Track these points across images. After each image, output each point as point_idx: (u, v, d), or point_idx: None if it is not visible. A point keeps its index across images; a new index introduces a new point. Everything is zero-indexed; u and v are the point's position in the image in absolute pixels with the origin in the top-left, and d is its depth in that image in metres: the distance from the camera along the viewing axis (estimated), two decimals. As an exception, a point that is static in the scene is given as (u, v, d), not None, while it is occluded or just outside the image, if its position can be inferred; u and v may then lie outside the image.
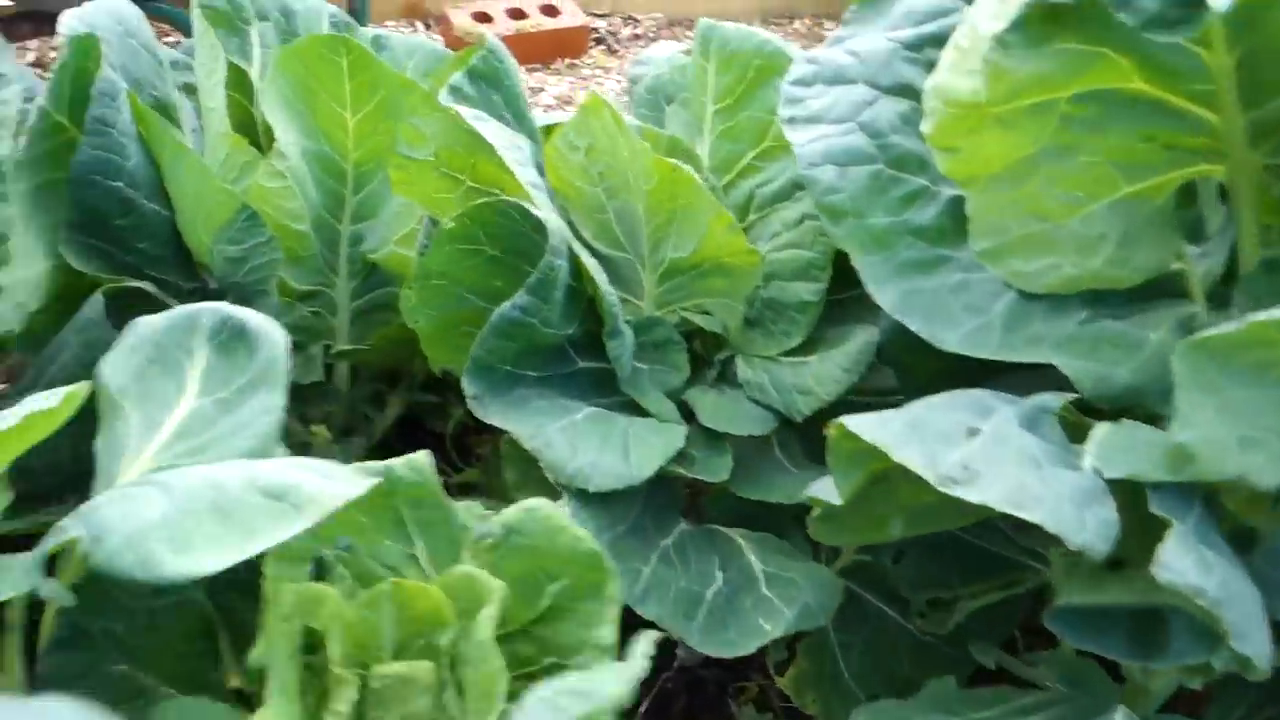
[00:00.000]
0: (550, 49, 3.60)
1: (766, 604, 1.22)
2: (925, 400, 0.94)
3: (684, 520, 1.30)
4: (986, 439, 0.86)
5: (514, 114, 1.35)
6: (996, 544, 1.37)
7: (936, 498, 1.09)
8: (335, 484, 0.87)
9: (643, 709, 1.67)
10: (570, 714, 0.75)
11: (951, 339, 1.04)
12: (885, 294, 1.07)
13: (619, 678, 0.79)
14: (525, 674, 1.01)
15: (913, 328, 1.05)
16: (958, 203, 1.07)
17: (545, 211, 1.15)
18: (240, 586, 1.06)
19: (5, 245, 1.33)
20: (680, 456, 1.22)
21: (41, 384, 1.46)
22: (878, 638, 1.42)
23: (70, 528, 0.85)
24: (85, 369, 1.13)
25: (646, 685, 1.69)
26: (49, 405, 0.93)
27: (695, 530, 1.30)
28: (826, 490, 1.01)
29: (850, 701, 1.45)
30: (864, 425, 0.88)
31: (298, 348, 1.73)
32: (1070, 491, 0.80)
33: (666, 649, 1.71)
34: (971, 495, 0.80)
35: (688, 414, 1.32)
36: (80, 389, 0.96)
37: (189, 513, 0.81)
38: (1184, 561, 0.76)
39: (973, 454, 0.84)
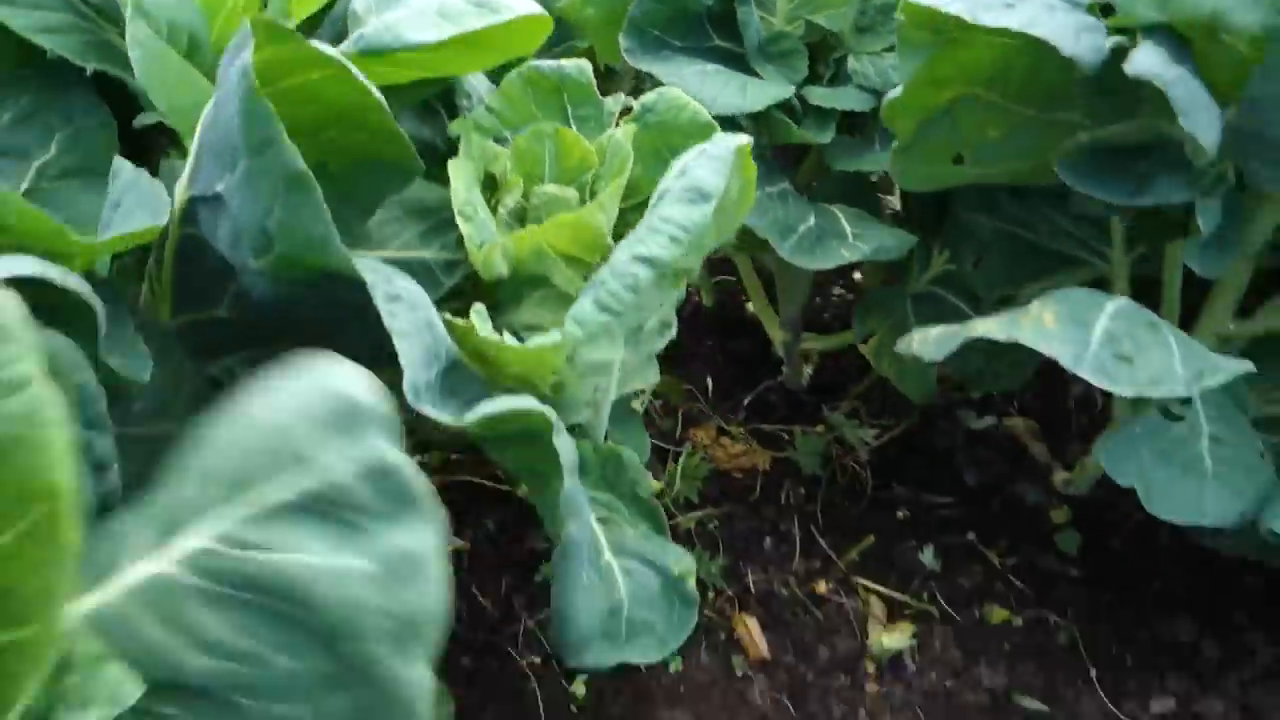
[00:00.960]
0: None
1: (850, 246, 1.47)
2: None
3: (790, 184, 1.56)
4: (1023, 4, 1.08)
5: None
6: (1066, 245, 1.57)
7: (1000, 132, 1.32)
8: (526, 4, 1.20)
9: (746, 401, 1.95)
10: (726, 146, 1.04)
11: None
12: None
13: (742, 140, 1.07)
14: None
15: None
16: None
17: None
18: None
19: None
20: (791, 114, 1.48)
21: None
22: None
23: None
24: None
25: (745, 385, 1.96)
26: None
27: (800, 195, 1.55)
28: (895, 89, 1.25)
29: (920, 375, 1.68)
30: (923, -1, 1.12)
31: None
32: (1073, 22, 1.02)
33: (774, 369, 1.98)
34: (996, 21, 1.03)
35: (805, 108, 1.57)
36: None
37: (423, 14, 1.14)
38: (1150, 58, 0.97)
39: (1007, 10, 1.07)
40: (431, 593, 0.68)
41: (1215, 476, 1.24)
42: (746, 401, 1.93)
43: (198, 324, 1.19)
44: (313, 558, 0.68)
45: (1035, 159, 1.34)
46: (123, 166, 1.12)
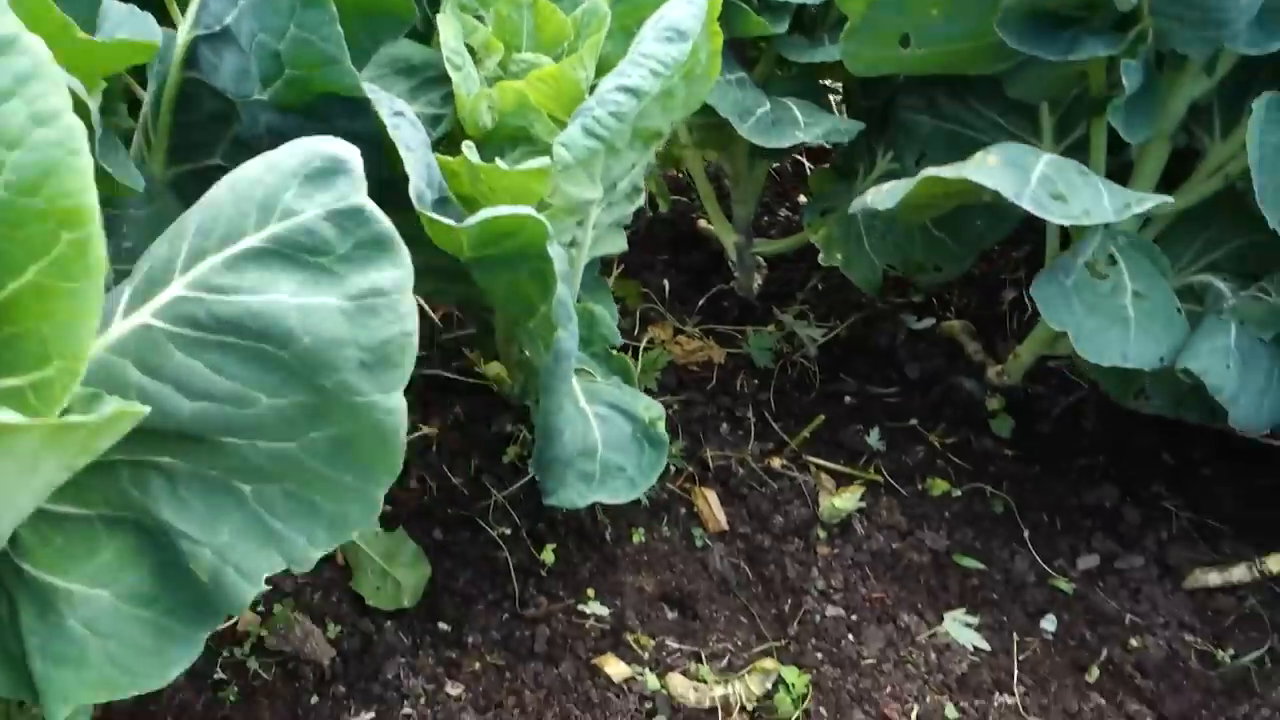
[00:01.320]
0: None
1: (803, 129, 1.57)
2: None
3: (749, 75, 1.65)
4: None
5: None
6: (1001, 139, 1.68)
7: (941, 10, 1.42)
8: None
9: (700, 304, 2.04)
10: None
11: None
12: None
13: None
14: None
15: None
16: None
17: None
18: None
19: None
20: (748, 4, 1.57)
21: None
22: (898, 224, 1.75)
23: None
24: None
25: (699, 291, 2.05)
26: None
27: (753, 84, 1.65)
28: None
29: (867, 264, 1.79)
30: None
31: None
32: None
33: (726, 278, 2.07)
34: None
35: (762, 5, 1.66)
36: None
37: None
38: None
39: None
40: (402, 324, 0.69)
41: (1137, 325, 1.35)
42: (700, 304, 2.02)
43: (193, 174, 1.23)
44: (284, 295, 0.69)
45: (973, 41, 1.45)
46: (111, 5, 1.14)
